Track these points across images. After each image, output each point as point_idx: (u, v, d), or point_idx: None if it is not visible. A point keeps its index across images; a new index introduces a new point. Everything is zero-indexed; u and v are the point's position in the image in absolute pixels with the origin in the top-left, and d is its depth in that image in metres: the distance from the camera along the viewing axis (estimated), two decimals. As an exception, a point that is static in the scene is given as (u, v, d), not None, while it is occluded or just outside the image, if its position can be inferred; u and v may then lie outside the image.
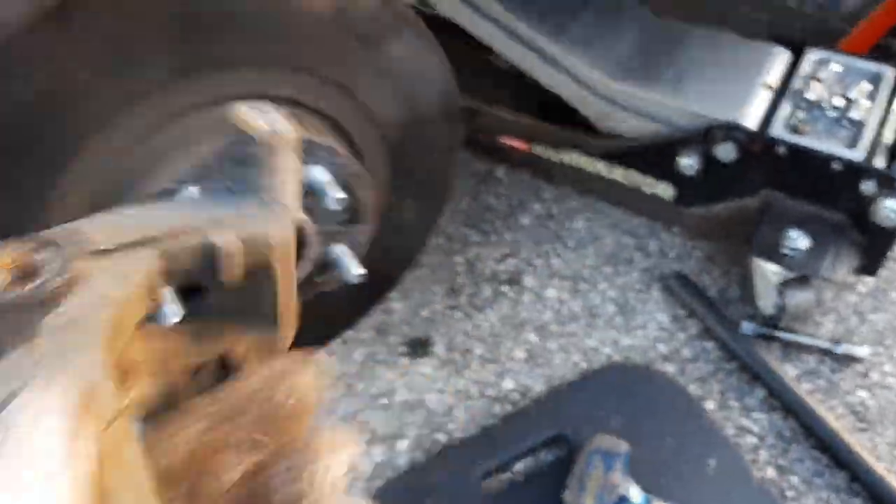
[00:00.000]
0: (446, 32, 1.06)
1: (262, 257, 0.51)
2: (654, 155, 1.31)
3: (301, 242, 0.89)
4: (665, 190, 1.33)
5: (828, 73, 1.24)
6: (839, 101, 1.21)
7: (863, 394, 1.29)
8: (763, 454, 1.23)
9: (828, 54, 1.27)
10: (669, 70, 1.30)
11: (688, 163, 1.26)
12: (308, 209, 0.93)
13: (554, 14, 1.34)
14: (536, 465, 1.21)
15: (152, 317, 0.45)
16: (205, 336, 0.50)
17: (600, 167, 1.37)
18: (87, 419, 0.33)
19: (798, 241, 1.20)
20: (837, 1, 1.31)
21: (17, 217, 0.80)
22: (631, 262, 1.46)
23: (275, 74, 0.92)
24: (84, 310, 0.38)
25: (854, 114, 1.19)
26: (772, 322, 1.31)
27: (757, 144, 1.21)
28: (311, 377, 0.44)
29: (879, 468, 1.18)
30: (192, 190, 0.73)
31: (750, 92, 1.26)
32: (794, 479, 1.20)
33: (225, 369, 0.51)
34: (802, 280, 1.25)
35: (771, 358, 1.30)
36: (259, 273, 0.51)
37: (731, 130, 1.21)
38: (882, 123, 1.20)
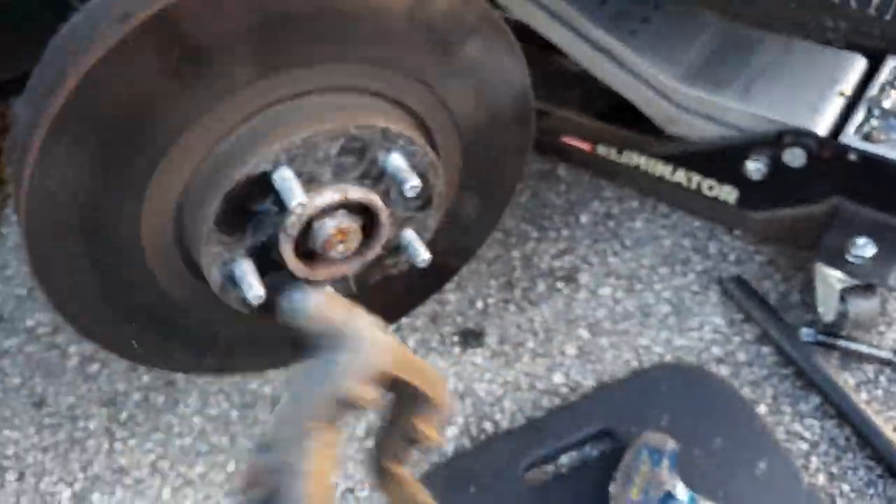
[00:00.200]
0: (517, 35, 1.08)
1: (389, 377, 0.86)
2: (719, 158, 1.32)
3: (376, 224, 0.97)
4: (729, 193, 1.33)
5: (906, 81, 1.23)
6: (916, 111, 1.20)
7: (921, 406, 1.26)
8: (815, 461, 1.21)
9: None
10: (741, 75, 1.30)
11: (755, 167, 1.27)
12: (384, 193, 0.98)
13: (625, 18, 1.36)
14: (582, 459, 1.22)
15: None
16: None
17: (663, 169, 1.38)
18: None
19: (865, 248, 1.20)
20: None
21: (128, 189, 0.94)
22: (688, 264, 1.45)
23: (359, 69, 0.97)
24: None
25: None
26: (832, 329, 1.29)
27: (827, 151, 1.21)
28: None
29: (935, 481, 1.16)
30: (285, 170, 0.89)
31: (823, 98, 1.26)
32: (846, 488, 1.18)
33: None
34: (867, 288, 1.23)
35: (829, 366, 1.28)
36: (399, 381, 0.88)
37: (802, 136, 1.22)
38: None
